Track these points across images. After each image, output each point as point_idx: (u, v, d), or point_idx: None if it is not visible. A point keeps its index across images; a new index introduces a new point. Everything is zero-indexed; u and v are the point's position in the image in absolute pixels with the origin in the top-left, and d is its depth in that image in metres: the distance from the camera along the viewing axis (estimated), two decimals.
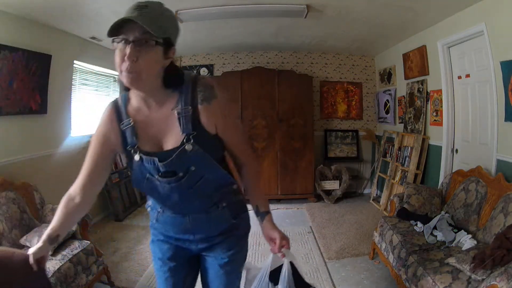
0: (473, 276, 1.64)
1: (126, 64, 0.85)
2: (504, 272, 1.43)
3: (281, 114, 4.43)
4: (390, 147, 4.30)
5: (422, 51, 3.51)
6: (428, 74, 3.51)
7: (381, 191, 4.35)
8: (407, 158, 3.74)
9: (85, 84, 3.81)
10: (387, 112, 4.61)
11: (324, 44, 4.44)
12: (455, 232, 2.19)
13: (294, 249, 2.99)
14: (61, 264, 1.96)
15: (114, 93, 4.45)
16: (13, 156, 2.63)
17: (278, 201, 4.51)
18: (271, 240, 1.10)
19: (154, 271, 1.25)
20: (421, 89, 3.63)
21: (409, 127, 3.92)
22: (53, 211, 2.44)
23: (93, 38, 3.57)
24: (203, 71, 4.97)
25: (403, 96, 4.09)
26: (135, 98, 0.99)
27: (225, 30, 3.63)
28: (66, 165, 3.31)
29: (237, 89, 4.37)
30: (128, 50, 0.83)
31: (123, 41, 0.84)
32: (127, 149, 1.01)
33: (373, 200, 4.49)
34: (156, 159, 0.96)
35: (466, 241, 2.05)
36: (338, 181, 4.62)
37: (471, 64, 2.88)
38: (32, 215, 2.34)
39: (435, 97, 3.39)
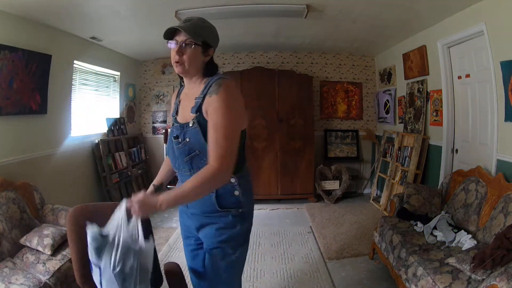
0: (473, 276, 1.64)
1: (176, 58, 1.19)
2: (504, 272, 1.43)
3: (281, 114, 4.43)
4: (390, 147, 4.30)
5: (422, 51, 3.51)
6: (428, 74, 3.51)
7: (381, 191, 4.35)
8: (407, 158, 3.74)
9: (85, 84, 3.81)
10: (387, 112, 4.61)
11: (324, 44, 4.44)
12: (455, 232, 2.19)
13: (294, 249, 3.01)
14: (61, 264, 1.97)
15: (114, 93, 4.46)
16: (13, 156, 2.63)
17: (278, 201, 4.51)
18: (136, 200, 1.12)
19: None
20: (421, 89, 3.64)
21: (409, 127, 3.92)
22: (53, 211, 2.45)
23: (93, 38, 3.57)
24: None
25: (403, 96, 4.09)
26: (186, 85, 1.33)
27: (225, 30, 3.62)
28: (66, 165, 3.32)
29: None
30: (176, 48, 1.19)
31: (173, 43, 1.19)
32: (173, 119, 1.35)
33: (373, 200, 4.49)
34: (178, 125, 1.26)
35: (466, 241, 2.05)
36: (338, 181, 4.62)
37: (471, 64, 2.88)
38: (32, 215, 2.34)
39: (435, 97, 3.39)
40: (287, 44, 4.45)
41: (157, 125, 5.11)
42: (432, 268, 1.81)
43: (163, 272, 1.50)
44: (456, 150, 3.17)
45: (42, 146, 3.00)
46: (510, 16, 2.25)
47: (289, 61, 4.95)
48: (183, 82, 1.34)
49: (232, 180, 1.21)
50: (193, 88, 1.27)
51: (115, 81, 4.47)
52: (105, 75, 4.22)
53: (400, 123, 4.24)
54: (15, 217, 2.17)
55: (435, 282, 1.69)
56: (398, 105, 4.30)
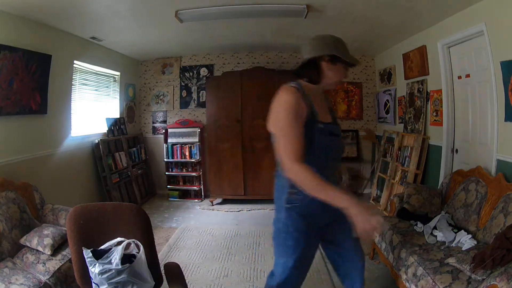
0: (473, 276, 1.64)
1: (343, 79, 1.48)
2: (504, 272, 1.43)
3: None
4: (390, 147, 4.30)
5: (422, 51, 3.51)
6: (428, 74, 3.51)
7: (381, 191, 4.35)
8: (407, 158, 3.74)
9: (85, 84, 3.81)
10: (387, 112, 4.61)
11: None
12: (455, 232, 2.19)
13: None
14: (61, 264, 1.97)
15: (114, 93, 4.46)
16: (13, 156, 2.63)
17: None
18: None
19: (286, 256, 1.44)
20: (421, 89, 3.63)
21: (409, 127, 3.92)
22: (53, 211, 2.45)
23: (93, 38, 3.57)
24: (203, 71, 4.97)
25: (403, 96, 4.09)
26: (311, 88, 1.45)
27: (225, 30, 3.62)
28: (66, 165, 3.32)
29: (237, 89, 4.37)
30: (347, 72, 1.48)
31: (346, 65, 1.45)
32: (313, 119, 1.36)
33: (373, 200, 4.49)
34: (331, 124, 1.46)
35: (466, 241, 2.05)
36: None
37: (471, 64, 2.88)
38: (32, 215, 2.34)
39: (435, 97, 3.39)
40: (287, 44, 4.45)
41: (157, 125, 5.11)
42: (432, 268, 1.81)
43: (163, 272, 1.50)
44: (456, 150, 3.17)
45: (42, 146, 3.00)
46: (510, 16, 2.25)
47: (289, 61, 4.95)
48: (302, 84, 1.45)
49: None
50: (319, 93, 1.51)
51: (115, 81, 4.47)
52: (105, 75, 4.22)
53: (400, 123, 4.24)
54: (15, 217, 2.17)
55: (435, 282, 1.69)
56: (398, 105, 4.30)
